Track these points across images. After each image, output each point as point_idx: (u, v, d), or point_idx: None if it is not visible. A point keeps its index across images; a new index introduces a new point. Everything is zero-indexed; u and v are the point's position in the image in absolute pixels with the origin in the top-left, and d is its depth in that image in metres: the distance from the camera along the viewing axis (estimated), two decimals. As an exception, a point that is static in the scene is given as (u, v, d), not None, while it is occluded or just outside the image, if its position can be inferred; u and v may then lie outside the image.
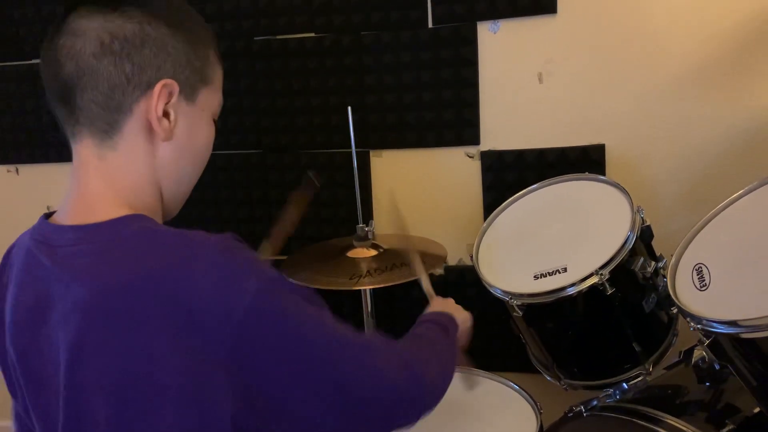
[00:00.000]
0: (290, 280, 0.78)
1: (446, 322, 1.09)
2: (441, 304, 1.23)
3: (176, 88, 0.81)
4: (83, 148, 0.81)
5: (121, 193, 0.81)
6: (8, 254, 0.88)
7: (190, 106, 0.84)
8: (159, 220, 0.85)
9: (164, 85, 0.79)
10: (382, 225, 1.98)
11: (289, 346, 0.73)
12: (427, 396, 0.92)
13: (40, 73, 0.83)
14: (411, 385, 0.88)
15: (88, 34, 0.77)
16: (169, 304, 0.69)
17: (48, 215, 0.85)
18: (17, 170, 2.29)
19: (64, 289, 0.75)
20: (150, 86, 0.79)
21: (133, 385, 0.71)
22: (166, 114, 0.81)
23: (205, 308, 0.69)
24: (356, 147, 1.72)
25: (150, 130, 0.81)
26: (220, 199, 2.12)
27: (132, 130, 0.80)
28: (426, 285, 1.37)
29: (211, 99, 0.87)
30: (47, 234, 0.81)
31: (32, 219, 0.87)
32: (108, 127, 0.80)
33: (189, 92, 0.83)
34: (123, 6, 0.78)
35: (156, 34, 0.79)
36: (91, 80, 0.78)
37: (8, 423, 2.62)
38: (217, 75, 0.88)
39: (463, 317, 1.18)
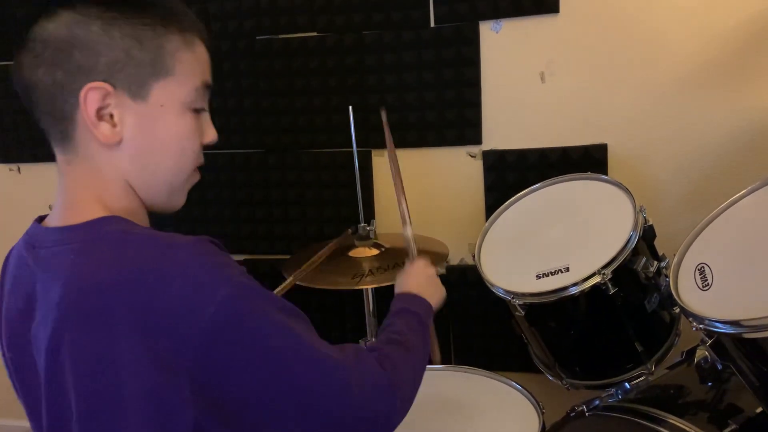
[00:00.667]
0: (264, 288, 0.76)
1: (426, 316, 1.07)
2: (423, 276, 1.18)
3: (110, 89, 0.76)
4: (57, 154, 0.82)
5: (97, 196, 0.80)
6: (7, 259, 0.89)
7: (139, 103, 0.79)
8: (140, 219, 0.83)
9: (90, 89, 0.76)
10: (383, 224, 1.98)
11: (254, 355, 0.72)
12: (395, 415, 0.88)
13: None
14: (380, 405, 0.85)
15: (27, 47, 0.77)
16: (138, 306, 0.68)
17: (41, 218, 0.86)
18: (19, 169, 2.30)
19: (44, 290, 0.75)
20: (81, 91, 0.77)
21: (102, 387, 0.70)
22: (110, 116, 0.78)
23: (172, 312, 0.68)
24: (358, 146, 1.72)
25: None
26: (222, 199, 2.12)
27: (82, 137, 0.79)
28: (409, 234, 1.32)
29: (174, 90, 0.81)
30: (36, 236, 0.82)
31: (34, 218, 0.87)
32: (62, 136, 0.79)
33: (135, 89, 0.78)
34: (57, 11, 0.76)
35: (85, 35, 0.75)
36: (34, 93, 0.77)
37: (8, 422, 2.61)
38: (182, 63, 0.81)
39: (438, 297, 1.14)
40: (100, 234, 0.76)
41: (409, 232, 1.35)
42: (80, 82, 0.76)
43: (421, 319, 1.05)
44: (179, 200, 0.88)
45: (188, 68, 0.82)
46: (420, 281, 1.16)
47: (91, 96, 0.76)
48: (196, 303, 0.69)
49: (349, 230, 1.75)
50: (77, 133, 0.78)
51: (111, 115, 0.78)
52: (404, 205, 1.37)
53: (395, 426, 0.88)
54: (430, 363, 1.21)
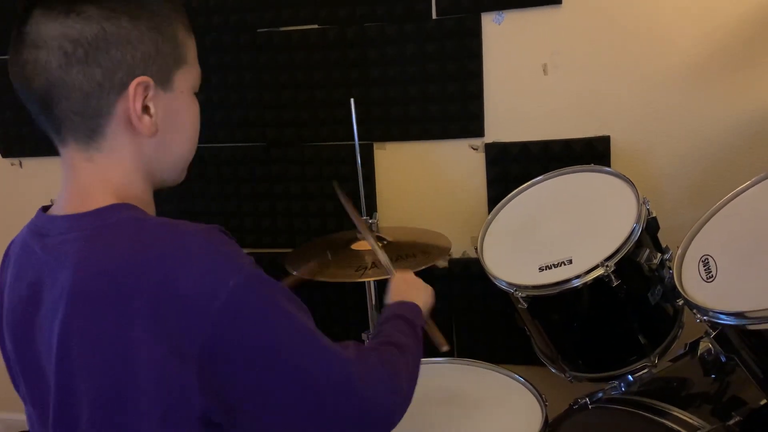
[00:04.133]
0: (273, 279, 0.77)
1: (413, 317, 1.07)
2: (403, 284, 1.19)
3: (150, 82, 0.78)
4: (70, 151, 0.81)
5: (111, 187, 0.80)
6: (9, 248, 0.89)
7: (167, 93, 0.81)
8: (147, 206, 0.84)
9: (138, 84, 0.77)
10: (386, 217, 1.98)
11: (262, 345, 0.73)
12: (396, 411, 0.89)
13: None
14: (383, 400, 0.86)
15: (49, 45, 0.74)
16: (149, 292, 0.69)
17: (46, 208, 0.86)
18: (21, 164, 2.29)
19: (53, 277, 0.76)
20: (124, 86, 0.77)
21: (113, 372, 0.71)
22: (146, 109, 0.79)
23: (184, 299, 0.69)
24: (360, 140, 1.72)
25: (132, 127, 0.79)
26: (224, 193, 2.12)
27: (115, 130, 0.79)
28: (383, 259, 1.33)
29: (189, 77, 0.84)
30: (42, 224, 0.82)
31: (36, 212, 0.87)
32: (91, 132, 0.79)
33: (164, 81, 0.80)
34: (78, 7, 0.74)
35: (118, 31, 0.75)
36: (63, 92, 0.76)
37: (9, 415, 2.61)
38: (190, 51, 0.84)
39: (426, 297, 1.15)
40: (112, 221, 0.76)
41: (381, 257, 1.36)
42: (120, 78, 0.77)
43: (407, 319, 1.05)
44: (185, 174, 0.91)
45: (193, 54, 0.85)
46: (400, 289, 1.17)
47: (138, 91, 0.77)
48: (207, 291, 0.69)
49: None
50: (110, 128, 0.79)
51: (147, 107, 0.79)
52: (372, 239, 1.41)
53: (396, 423, 0.88)
54: (438, 353, 1.24)
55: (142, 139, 0.81)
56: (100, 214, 0.77)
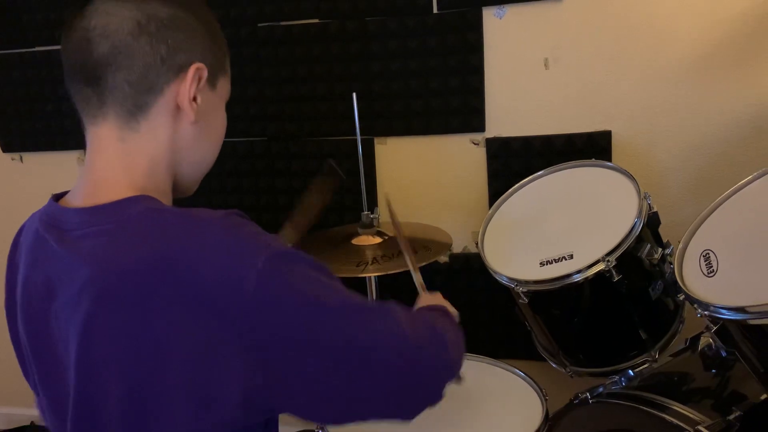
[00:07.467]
0: (298, 250, 0.76)
1: (445, 309, 1.07)
2: (431, 299, 1.19)
3: (206, 73, 0.82)
4: (104, 130, 0.81)
5: (134, 176, 0.81)
6: (19, 234, 0.89)
7: (211, 92, 0.86)
8: (167, 200, 0.85)
9: (198, 68, 0.81)
10: (386, 213, 1.98)
11: (301, 316, 0.72)
12: (450, 363, 0.88)
13: (61, 56, 0.82)
14: (434, 347, 0.85)
15: (123, 14, 0.78)
16: (177, 284, 0.69)
17: (58, 197, 0.85)
18: (21, 158, 2.29)
19: (71, 272, 0.75)
20: (182, 69, 0.81)
21: (146, 366, 0.71)
22: (193, 98, 0.82)
23: (214, 286, 0.69)
24: (361, 134, 1.71)
25: (176, 113, 0.82)
26: (226, 188, 2.12)
27: (159, 111, 0.81)
28: (417, 279, 1.35)
29: (226, 87, 0.90)
30: (55, 216, 0.81)
31: (36, 207, 0.87)
32: (136, 109, 0.80)
33: (212, 79, 0.85)
34: None
35: (187, 20, 0.81)
36: (126, 59, 0.78)
37: (10, 410, 2.62)
38: (228, 65, 0.91)
39: (453, 311, 1.13)
40: (131, 214, 0.76)
41: (417, 277, 1.36)
42: (181, 59, 0.80)
43: (443, 309, 1.04)
44: (195, 187, 0.93)
45: (229, 68, 0.91)
46: (431, 300, 1.16)
47: (196, 75, 0.81)
48: (234, 276, 0.69)
49: (331, 162, 1.70)
50: (156, 107, 0.81)
51: (195, 97, 0.82)
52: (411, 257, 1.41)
53: (443, 386, 0.88)
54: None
55: (181, 127, 0.83)
56: (118, 207, 0.77)
